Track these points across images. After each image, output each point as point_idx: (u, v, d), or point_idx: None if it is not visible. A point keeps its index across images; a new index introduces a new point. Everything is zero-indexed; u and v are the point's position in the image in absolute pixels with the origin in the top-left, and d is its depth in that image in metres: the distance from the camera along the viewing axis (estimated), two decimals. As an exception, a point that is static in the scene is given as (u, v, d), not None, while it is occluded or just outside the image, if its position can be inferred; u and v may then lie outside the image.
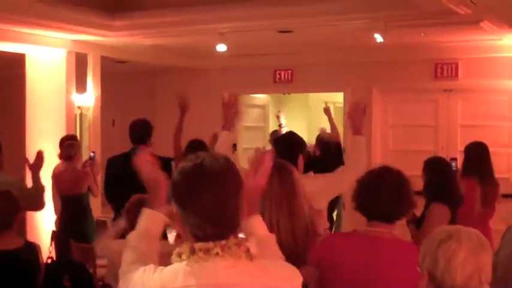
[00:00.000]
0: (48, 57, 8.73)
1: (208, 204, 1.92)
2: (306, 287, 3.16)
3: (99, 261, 6.00)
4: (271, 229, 3.55)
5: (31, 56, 8.85)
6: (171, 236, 5.44)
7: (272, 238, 2.34)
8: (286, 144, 4.92)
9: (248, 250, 1.97)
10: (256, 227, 2.27)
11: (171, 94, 11.06)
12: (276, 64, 10.57)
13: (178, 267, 1.94)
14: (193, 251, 1.93)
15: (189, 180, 1.96)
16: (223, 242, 1.93)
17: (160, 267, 1.99)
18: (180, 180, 1.98)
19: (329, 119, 8.65)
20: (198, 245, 1.93)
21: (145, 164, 2.31)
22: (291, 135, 5.24)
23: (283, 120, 11.71)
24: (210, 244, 1.93)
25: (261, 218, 2.33)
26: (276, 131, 9.67)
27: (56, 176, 7.24)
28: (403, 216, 3.17)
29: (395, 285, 2.94)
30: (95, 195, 7.39)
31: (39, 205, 5.78)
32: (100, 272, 5.89)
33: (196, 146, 6.52)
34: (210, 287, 1.91)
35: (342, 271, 2.98)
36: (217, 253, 1.92)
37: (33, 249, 4.28)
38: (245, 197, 2.17)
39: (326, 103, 8.01)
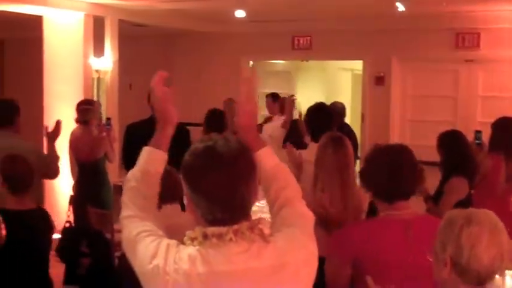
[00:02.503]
0: (65, 20, 8.67)
1: (219, 187, 1.88)
2: None
3: (116, 226, 6.02)
4: (321, 200, 3.52)
5: (49, 18, 8.79)
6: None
7: (283, 167, 2.25)
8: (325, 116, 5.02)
9: (262, 232, 1.94)
10: (264, 159, 2.17)
11: (189, 58, 11.08)
12: (295, 30, 10.46)
13: (194, 252, 1.90)
14: (206, 236, 1.91)
15: (200, 163, 1.92)
16: (235, 226, 1.90)
17: (174, 246, 1.95)
18: (191, 161, 1.94)
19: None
20: (211, 230, 1.90)
21: (161, 92, 2.24)
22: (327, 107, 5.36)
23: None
24: (223, 229, 1.90)
25: (269, 149, 2.23)
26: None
27: (73, 142, 7.23)
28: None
29: None
30: (111, 161, 7.38)
31: (53, 173, 5.79)
32: (117, 236, 5.89)
33: (216, 116, 6.53)
34: (227, 273, 1.89)
35: (385, 260, 2.86)
36: (231, 239, 1.89)
37: (44, 212, 4.36)
38: (245, 132, 2.18)
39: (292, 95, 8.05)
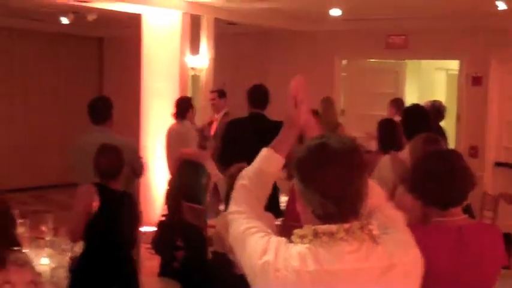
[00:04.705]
0: (163, 18, 8.87)
1: (333, 182, 1.89)
2: None
3: (210, 222, 6.12)
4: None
5: (147, 16, 9.02)
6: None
7: None
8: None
9: (371, 233, 1.94)
10: None
11: (283, 57, 11.13)
12: (390, 29, 10.34)
13: (304, 250, 1.91)
14: (316, 234, 1.91)
15: (315, 157, 1.93)
16: (346, 225, 1.91)
17: (284, 242, 1.96)
18: (306, 156, 1.96)
19: None
20: (322, 228, 1.91)
21: (297, 96, 2.29)
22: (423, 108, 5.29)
23: None
24: (334, 228, 1.90)
25: None
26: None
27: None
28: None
29: (485, 270, 2.82)
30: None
31: (141, 173, 6.01)
32: (209, 231, 5.99)
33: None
34: (337, 273, 1.89)
35: (436, 269, 2.69)
36: (342, 237, 1.90)
37: (131, 196, 4.55)
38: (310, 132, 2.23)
39: None
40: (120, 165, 4.40)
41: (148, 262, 6.52)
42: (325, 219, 1.93)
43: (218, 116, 8.25)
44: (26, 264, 1.86)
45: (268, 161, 2.24)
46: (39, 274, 1.93)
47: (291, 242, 1.97)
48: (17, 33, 12.29)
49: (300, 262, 1.89)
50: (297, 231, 1.96)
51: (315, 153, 1.94)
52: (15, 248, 1.85)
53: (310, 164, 1.94)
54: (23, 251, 1.92)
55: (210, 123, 8.33)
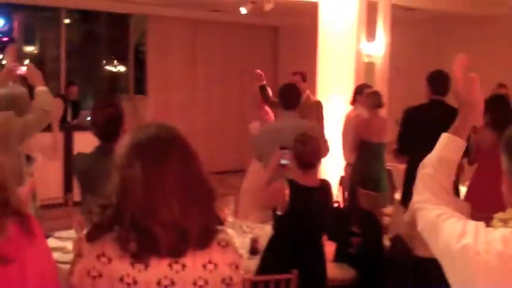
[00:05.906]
0: (340, 6, 8.86)
1: None
2: None
3: (385, 210, 6.13)
4: None
5: (324, 4, 9.07)
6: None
7: None
8: None
9: None
10: None
11: (461, 43, 10.78)
12: None
13: (508, 233, 1.84)
14: None
15: None
16: None
17: (483, 226, 1.91)
18: None
19: None
20: None
21: (463, 78, 2.18)
22: None
23: None
24: None
25: None
26: None
27: (362, 124, 7.34)
28: None
29: None
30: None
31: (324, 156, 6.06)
32: (384, 220, 6.00)
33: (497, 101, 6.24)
34: None
35: None
36: None
37: (328, 188, 4.56)
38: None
39: None
40: (319, 156, 4.48)
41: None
42: None
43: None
44: (228, 245, 1.96)
45: (449, 146, 2.18)
46: (240, 256, 2.03)
47: (489, 226, 1.92)
48: (198, 24, 12.89)
49: (504, 245, 1.82)
50: (498, 215, 1.92)
51: None
52: (220, 228, 1.97)
53: None
54: (227, 231, 2.03)
55: None
